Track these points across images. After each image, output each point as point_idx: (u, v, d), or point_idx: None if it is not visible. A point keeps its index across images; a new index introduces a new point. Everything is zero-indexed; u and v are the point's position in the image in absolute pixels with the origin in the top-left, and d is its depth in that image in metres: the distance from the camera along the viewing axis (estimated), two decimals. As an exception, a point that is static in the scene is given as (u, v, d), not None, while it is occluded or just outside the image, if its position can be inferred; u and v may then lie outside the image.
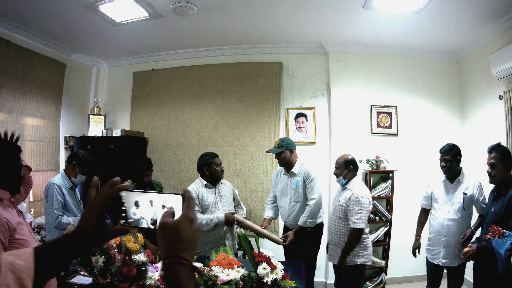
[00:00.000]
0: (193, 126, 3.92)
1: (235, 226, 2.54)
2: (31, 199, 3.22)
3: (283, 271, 1.60)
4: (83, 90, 4.14)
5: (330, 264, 3.43)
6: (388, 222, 3.37)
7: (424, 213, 2.68)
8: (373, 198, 3.02)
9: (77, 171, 2.48)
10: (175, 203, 0.64)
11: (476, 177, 2.46)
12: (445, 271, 2.51)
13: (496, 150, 2.08)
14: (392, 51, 3.66)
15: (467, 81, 3.62)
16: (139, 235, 1.66)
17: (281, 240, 2.50)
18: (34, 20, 2.98)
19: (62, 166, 3.58)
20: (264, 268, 1.55)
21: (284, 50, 3.77)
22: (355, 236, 2.28)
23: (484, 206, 2.30)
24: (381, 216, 3.38)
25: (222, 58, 3.90)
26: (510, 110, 2.80)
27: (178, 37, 3.52)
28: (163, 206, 0.64)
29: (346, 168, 2.40)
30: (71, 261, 1.36)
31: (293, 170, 2.66)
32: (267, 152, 2.74)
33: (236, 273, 1.56)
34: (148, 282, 1.55)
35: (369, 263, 2.46)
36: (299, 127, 3.72)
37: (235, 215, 2.44)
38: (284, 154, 2.63)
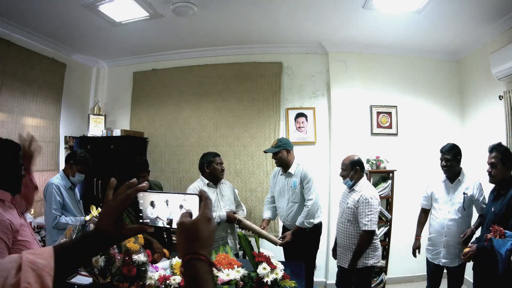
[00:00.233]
0: (193, 126, 3.92)
1: (236, 227, 2.55)
2: (31, 199, 3.21)
3: (283, 271, 1.60)
4: (83, 90, 4.14)
5: (330, 264, 3.45)
6: (388, 222, 3.37)
7: (424, 213, 2.68)
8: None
9: (75, 170, 2.48)
10: (192, 203, 0.66)
11: (476, 177, 2.46)
12: (445, 271, 2.51)
13: (497, 149, 2.08)
14: (392, 51, 3.66)
15: (467, 81, 3.62)
16: (139, 235, 1.67)
17: (279, 241, 2.50)
18: (34, 20, 2.98)
19: (62, 166, 3.57)
20: (264, 268, 1.55)
21: (284, 50, 3.77)
22: (367, 238, 2.23)
23: (484, 206, 2.30)
24: (381, 216, 3.37)
25: (222, 58, 3.89)
26: (510, 110, 2.80)
27: (178, 37, 3.52)
28: (181, 206, 0.67)
29: (352, 169, 2.36)
30: (90, 259, 1.38)
31: (290, 170, 2.66)
32: (265, 152, 2.75)
33: (236, 273, 1.56)
34: (148, 282, 1.55)
35: (379, 264, 2.44)
36: (299, 127, 3.72)
37: (236, 214, 2.46)
38: (281, 154, 2.63)
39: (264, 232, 2.45)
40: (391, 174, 3.40)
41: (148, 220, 0.70)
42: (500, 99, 2.92)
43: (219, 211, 2.47)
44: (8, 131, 3.00)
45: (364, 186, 2.35)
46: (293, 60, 3.79)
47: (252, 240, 1.87)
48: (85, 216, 2.31)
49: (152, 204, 0.70)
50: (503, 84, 2.92)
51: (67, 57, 3.77)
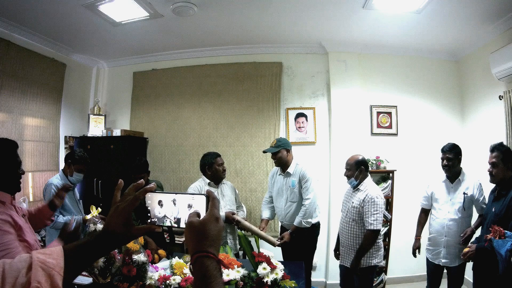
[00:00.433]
0: (193, 126, 3.92)
1: (236, 227, 2.55)
2: (31, 199, 3.22)
3: (283, 271, 1.60)
4: (83, 90, 4.14)
5: (330, 264, 3.44)
6: (388, 222, 3.36)
7: (424, 213, 2.68)
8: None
9: (73, 169, 2.48)
10: (199, 203, 0.68)
11: (476, 177, 2.46)
12: (445, 271, 2.51)
13: (498, 149, 2.07)
14: (392, 51, 3.66)
15: (467, 81, 3.62)
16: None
17: (277, 242, 2.50)
18: (34, 20, 2.97)
19: (62, 166, 3.58)
20: (264, 268, 1.55)
21: (284, 50, 3.77)
22: (372, 237, 2.25)
23: (484, 206, 2.30)
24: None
25: (222, 58, 3.90)
26: (510, 110, 2.80)
27: (178, 37, 3.52)
28: (190, 206, 0.69)
29: (357, 169, 2.38)
30: (98, 259, 1.38)
31: (288, 170, 2.67)
32: (264, 152, 2.75)
33: (236, 273, 1.56)
34: (148, 282, 1.55)
35: (382, 263, 2.45)
36: (299, 127, 3.72)
37: (235, 215, 2.46)
38: (281, 154, 2.64)
39: (262, 233, 2.45)
40: (391, 174, 3.40)
41: (156, 220, 0.72)
42: (500, 99, 2.91)
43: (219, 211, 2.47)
44: (8, 131, 3.00)
45: (369, 185, 2.36)
46: (293, 60, 3.79)
47: (252, 240, 1.87)
48: (85, 215, 2.32)
49: (160, 203, 0.72)
50: (503, 84, 2.92)
51: (67, 57, 3.77)
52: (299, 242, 2.59)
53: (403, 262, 3.28)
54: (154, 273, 1.60)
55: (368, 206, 2.25)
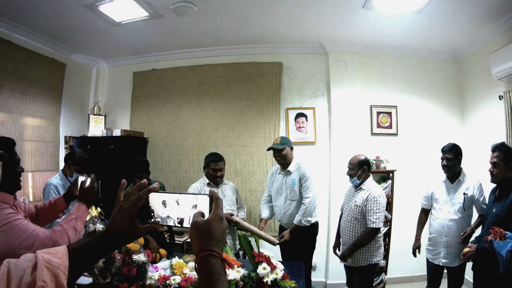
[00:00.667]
0: (193, 126, 3.92)
1: (235, 227, 2.55)
2: (31, 199, 3.22)
3: (283, 271, 1.60)
4: (83, 90, 4.14)
5: (330, 264, 3.45)
6: (388, 222, 3.36)
7: (424, 213, 2.68)
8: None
9: (72, 170, 2.48)
10: (202, 203, 0.70)
11: (476, 177, 2.45)
12: (445, 271, 2.51)
13: (499, 149, 2.07)
14: (392, 51, 3.66)
15: (467, 81, 3.62)
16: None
17: (277, 241, 2.51)
18: (34, 20, 2.97)
19: (61, 166, 3.58)
20: (264, 268, 1.55)
21: (284, 50, 3.77)
22: (372, 235, 2.31)
23: (484, 206, 2.30)
24: (381, 216, 3.38)
25: (222, 58, 3.89)
26: (510, 110, 2.80)
27: (178, 37, 3.52)
28: (195, 206, 0.70)
29: (360, 169, 2.42)
30: (102, 258, 1.38)
31: (289, 168, 2.69)
32: (270, 149, 2.74)
33: (236, 273, 1.56)
34: (148, 282, 1.55)
35: (382, 263, 2.50)
36: (299, 127, 3.72)
37: (233, 216, 2.46)
38: (285, 151, 2.66)
39: (261, 232, 2.45)
40: (391, 174, 3.40)
41: (160, 220, 0.72)
42: (500, 99, 2.91)
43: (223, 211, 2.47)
44: (8, 131, 3.00)
45: (372, 185, 2.42)
46: (293, 60, 3.79)
47: (252, 240, 1.87)
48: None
49: (163, 203, 0.72)
50: (503, 84, 2.92)
51: (67, 57, 3.77)
52: (298, 242, 2.60)
53: (403, 262, 3.27)
54: (154, 273, 1.60)
55: (371, 205, 2.30)
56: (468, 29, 3.07)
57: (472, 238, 2.28)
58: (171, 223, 0.73)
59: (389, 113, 3.69)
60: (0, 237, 1.11)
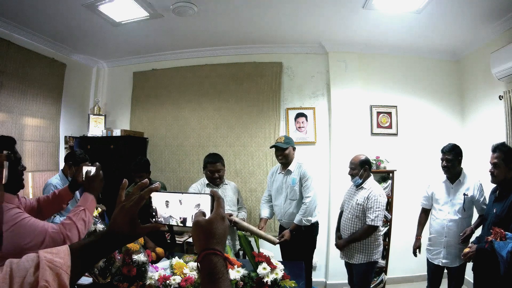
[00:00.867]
0: (193, 126, 3.92)
1: (234, 227, 2.55)
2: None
3: (283, 271, 1.60)
4: (83, 90, 4.14)
5: (330, 264, 3.45)
6: (388, 222, 3.36)
7: (425, 213, 2.68)
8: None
9: (73, 170, 2.48)
10: (204, 203, 0.70)
11: (476, 177, 2.45)
12: (445, 271, 2.51)
13: (500, 149, 2.06)
14: (392, 51, 3.66)
15: (467, 81, 3.62)
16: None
17: (277, 240, 2.51)
18: (34, 20, 2.97)
19: (62, 166, 3.57)
20: (264, 268, 1.55)
21: (284, 50, 3.77)
22: (369, 232, 2.38)
23: (485, 206, 2.30)
24: (381, 216, 3.38)
25: (222, 58, 3.89)
26: (510, 110, 2.79)
27: (178, 37, 3.52)
28: (198, 205, 0.71)
29: (362, 168, 2.48)
30: (104, 258, 1.37)
31: (289, 168, 2.70)
32: (273, 146, 2.73)
33: (236, 273, 1.56)
34: (148, 282, 1.55)
35: (381, 260, 2.61)
36: (299, 127, 3.72)
37: (232, 216, 2.45)
38: (288, 151, 2.67)
39: (261, 232, 2.45)
40: (391, 174, 3.40)
41: (162, 219, 0.73)
42: (500, 99, 2.91)
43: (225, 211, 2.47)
44: (8, 131, 3.00)
45: (373, 184, 2.48)
46: (293, 60, 3.79)
47: (252, 240, 1.87)
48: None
49: (166, 203, 0.73)
50: (503, 84, 2.92)
51: (67, 57, 3.77)
52: (299, 242, 2.60)
53: (403, 262, 3.28)
54: (154, 273, 1.60)
55: (372, 203, 2.37)
56: (468, 29, 3.07)
57: (472, 239, 2.28)
58: (173, 223, 0.73)
59: (389, 113, 3.69)
60: (9, 237, 1.10)
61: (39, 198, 1.51)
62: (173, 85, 4.02)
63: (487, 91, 3.19)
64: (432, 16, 2.81)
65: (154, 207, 0.73)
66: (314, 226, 2.70)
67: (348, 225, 2.49)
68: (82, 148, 3.49)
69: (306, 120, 3.71)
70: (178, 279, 1.56)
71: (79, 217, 1.26)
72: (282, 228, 2.77)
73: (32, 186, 3.27)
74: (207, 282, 0.56)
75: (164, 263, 1.92)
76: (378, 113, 3.68)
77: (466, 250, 2.10)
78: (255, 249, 1.70)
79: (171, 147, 3.98)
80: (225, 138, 3.83)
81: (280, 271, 1.58)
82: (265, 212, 2.84)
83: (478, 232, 2.31)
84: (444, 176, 2.50)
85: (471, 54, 3.50)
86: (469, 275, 2.37)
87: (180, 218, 0.72)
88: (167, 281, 1.55)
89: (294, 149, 2.73)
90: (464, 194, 2.36)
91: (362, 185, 2.48)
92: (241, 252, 2.73)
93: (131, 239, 0.70)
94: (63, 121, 3.73)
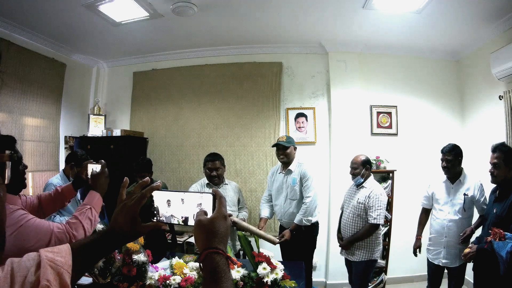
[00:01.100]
0: (193, 126, 3.92)
1: (234, 227, 2.55)
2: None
3: (283, 271, 1.60)
4: (83, 90, 4.14)
5: (330, 264, 3.45)
6: (388, 222, 3.36)
7: (425, 213, 2.68)
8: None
9: (75, 171, 2.48)
10: (207, 201, 0.70)
11: (476, 177, 2.45)
12: (445, 271, 2.51)
13: (500, 149, 2.06)
14: (392, 51, 3.66)
15: (467, 81, 3.62)
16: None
17: (277, 240, 2.51)
18: (34, 20, 2.97)
19: (62, 166, 3.58)
20: (264, 268, 1.55)
21: (284, 50, 3.77)
22: (371, 230, 2.41)
23: (485, 206, 2.30)
24: (381, 216, 3.38)
25: (222, 58, 3.89)
26: (510, 110, 2.79)
27: (178, 37, 3.52)
28: (200, 204, 0.71)
29: (363, 168, 2.52)
30: (105, 257, 1.37)
31: (290, 167, 2.70)
32: (275, 144, 2.74)
33: (236, 273, 1.56)
34: (148, 282, 1.55)
35: (380, 259, 2.65)
36: (299, 127, 3.72)
37: (231, 217, 2.46)
38: (290, 150, 2.69)
39: (261, 232, 2.44)
40: (391, 174, 3.40)
41: (163, 218, 0.73)
42: (500, 99, 2.91)
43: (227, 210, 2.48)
44: (8, 131, 3.00)
45: (373, 183, 2.52)
46: (293, 60, 3.79)
47: (252, 240, 1.87)
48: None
49: (168, 202, 0.73)
50: (503, 84, 2.92)
51: (67, 57, 3.77)
52: (299, 242, 2.60)
53: (403, 262, 3.28)
54: (154, 273, 1.60)
55: (373, 202, 2.40)
56: (468, 29, 3.07)
57: (473, 239, 2.28)
58: (175, 222, 0.73)
59: (389, 113, 3.69)
60: (14, 240, 1.08)
61: (40, 196, 1.49)
62: (173, 85, 4.02)
63: (487, 91, 3.18)
64: (432, 16, 2.81)
65: (156, 206, 0.73)
66: (314, 226, 2.70)
67: (349, 224, 2.51)
68: (82, 148, 3.49)
69: (306, 120, 3.71)
70: (178, 279, 1.56)
71: (86, 216, 1.25)
72: (282, 228, 2.77)
73: (32, 186, 3.27)
74: (209, 281, 0.56)
75: (164, 263, 1.92)
76: (378, 113, 3.68)
77: (467, 250, 2.10)
78: (255, 249, 1.70)
79: (171, 147, 3.98)
80: (225, 138, 3.83)
81: (280, 271, 1.58)
82: (265, 212, 2.84)
83: (478, 232, 2.31)
84: (444, 176, 2.50)
85: (471, 54, 3.50)
86: (469, 275, 2.37)
87: (182, 217, 0.72)
88: (167, 281, 1.55)
89: (295, 148, 2.75)
90: (465, 194, 2.36)
91: (363, 185, 2.51)
92: (241, 252, 2.73)
93: (132, 238, 0.70)
94: (63, 121, 3.73)
